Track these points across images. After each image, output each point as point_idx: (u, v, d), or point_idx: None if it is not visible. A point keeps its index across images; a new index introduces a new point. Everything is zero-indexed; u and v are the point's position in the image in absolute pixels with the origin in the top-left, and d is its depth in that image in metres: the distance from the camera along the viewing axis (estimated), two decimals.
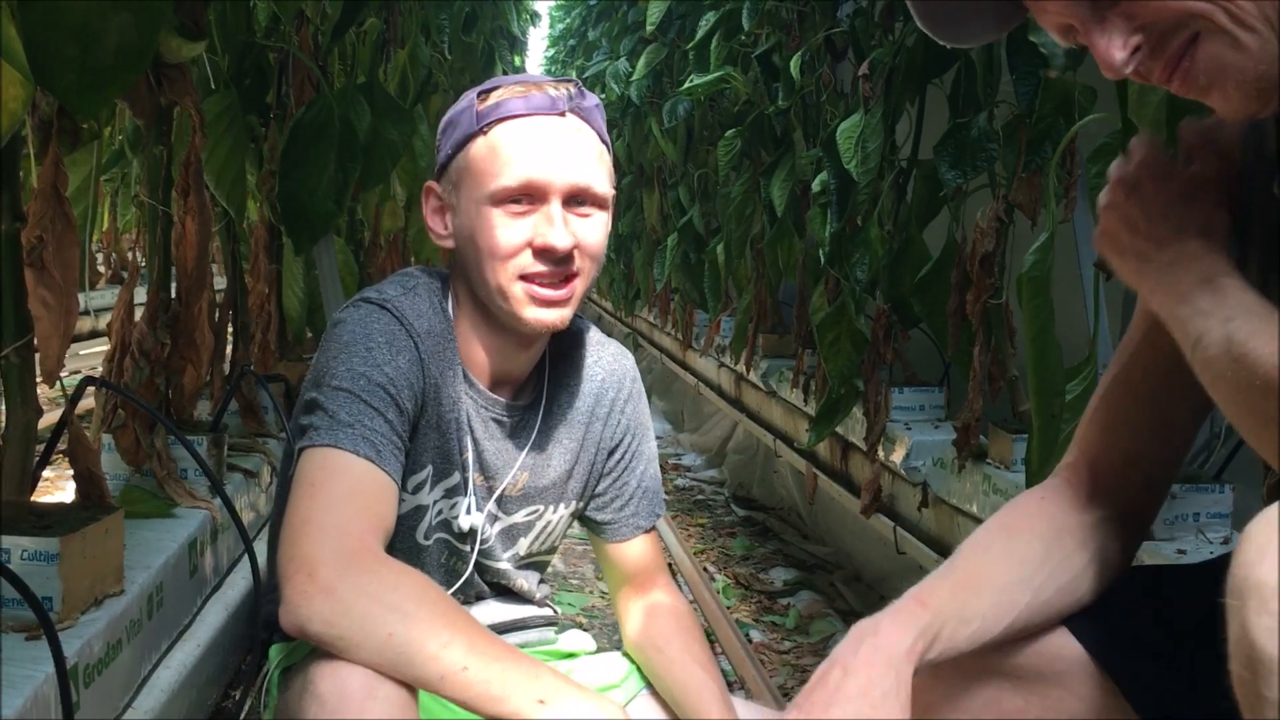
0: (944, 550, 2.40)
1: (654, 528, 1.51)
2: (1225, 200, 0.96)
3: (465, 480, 1.38)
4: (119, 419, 1.88)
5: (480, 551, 1.42)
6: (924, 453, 2.54)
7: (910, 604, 1.01)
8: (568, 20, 8.87)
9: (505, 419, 1.40)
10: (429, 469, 1.35)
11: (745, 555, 3.60)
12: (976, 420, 2.26)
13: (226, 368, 2.49)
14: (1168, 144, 1.05)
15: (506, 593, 1.48)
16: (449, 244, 1.36)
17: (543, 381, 1.43)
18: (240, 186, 2.22)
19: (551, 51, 10.64)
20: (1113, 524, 1.10)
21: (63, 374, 1.51)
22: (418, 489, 1.35)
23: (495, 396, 1.39)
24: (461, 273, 1.36)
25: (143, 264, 2.16)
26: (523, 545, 1.46)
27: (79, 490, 1.58)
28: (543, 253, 1.28)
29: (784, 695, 2.40)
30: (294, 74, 2.66)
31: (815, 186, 2.77)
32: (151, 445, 1.88)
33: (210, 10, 1.92)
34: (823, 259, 2.74)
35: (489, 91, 1.32)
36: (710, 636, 2.92)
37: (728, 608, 2.98)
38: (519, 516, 1.44)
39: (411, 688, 1.10)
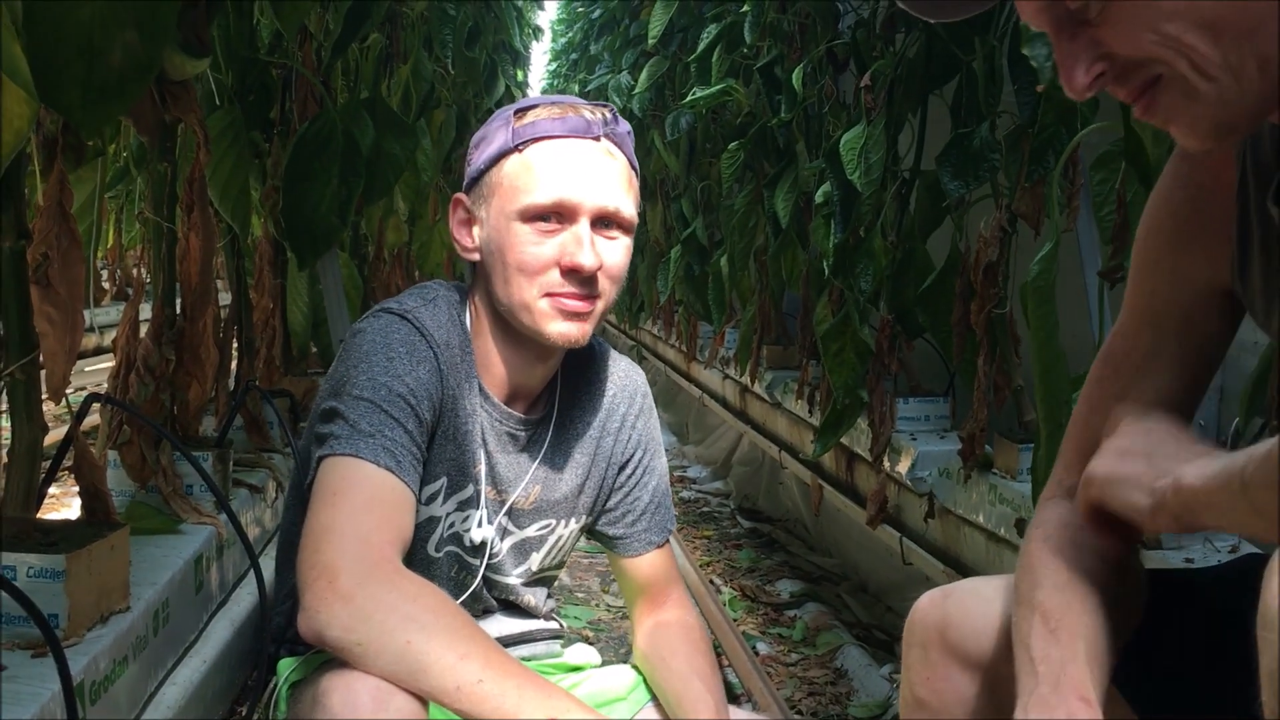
0: (950, 561, 2.40)
1: (666, 542, 1.52)
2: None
3: (478, 493, 1.38)
4: (124, 435, 1.88)
5: (490, 566, 1.43)
6: (929, 463, 2.53)
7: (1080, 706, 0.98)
8: (570, 34, 8.90)
9: (519, 433, 1.41)
10: (443, 480, 1.36)
11: (751, 567, 3.59)
12: (982, 430, 2.25)
13: (231, 383, 2.49)
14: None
15: (513, 608, 1.48)
16: (474, 257, 1.37)
17: (555, 396, 1.44)
18: (244, 202, 2.22)
19: (554, 65, 10.68)
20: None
21: (68, 391, 1.51)
22: (431, 500, 1.36)
23: (509, 410, 1.39)
24: (482, 286, 1.37)
25: (147, 280, 2.17)
26: (535, 560, 1.47)
27: (84, 507, 1.58)
28: (570, 272, 1.29)
29: (791, 707, 2.39)
30: (297, 89, 2.67)
31: (818, 198, 2.77)
32: (157, 461, 1.88)
33: (214, 27, 1.93)
34: (826, 270, 2.74)
35: (525, 110, 1.34)
36: (717, 649, 2.91)
37: (734, 620, 2.97)
38: (531, 530, 1.45)
39: (422, 701, 1.10)
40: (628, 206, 1.33)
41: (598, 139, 1.32)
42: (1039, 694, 0.93)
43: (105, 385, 1.93)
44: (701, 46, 3.75)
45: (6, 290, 1.34)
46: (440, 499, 1.36)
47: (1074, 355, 1.71)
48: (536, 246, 1.30)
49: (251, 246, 2.77)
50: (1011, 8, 2.13)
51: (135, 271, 6.74)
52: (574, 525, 1.48)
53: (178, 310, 1.94)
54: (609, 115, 1.34)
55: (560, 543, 1.48)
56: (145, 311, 1.99)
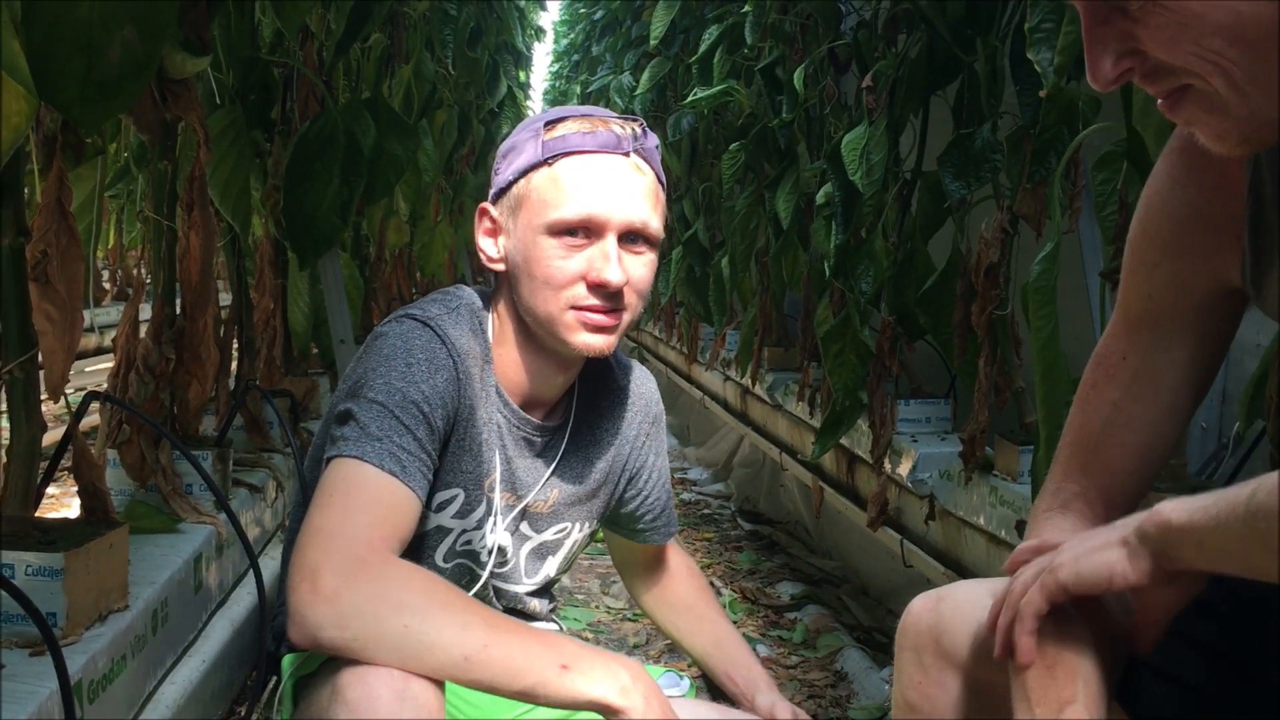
0: (951, 563, 2.39)
1: (674, 532, 1.64)
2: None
3: (492, 500, 1.40)
4: (124, 434, 1.87)
5: (501, 575, 1.45)
6: (930, 465, 2.53)
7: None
8: (572, 35, 8.90)
9: (535, 438, 1.43)
10: (458, 491, 1.37)
11: (752, 569, 3.58)
12: (982, 432, 2.25)
13: (231, 383, 2.49)
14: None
15: (518, 615, 1.49)
16: (499, 267, 1.39)
17: (573, 402, 1.47)
18: (245, 201, 2.22)
19: (556, 66, 10.68)
20: None
21: (68, 391, 1.51)
22: (441, 508, 1.37)
23: (527, 416, 1.41)
24: (506, 295, 1.39)
25: (148, 279, 2.17)
26: (551, 565, 1.49)
27: (83, 506, 1.58)
28: (596, 287, 1.31)
29: None
30: (298, 89, 2.67)
31: (820, 199, 2.77)
32: (156, 460, 1.88)
33: (215, 26, 1.93)
34: (827, 271, 2.74)
35: (555, 122, 1.35)
36: None
37: (734, 622, 2.97)
38: (549, 534, 1.47)
39: (438, 684, 1.11)
40: (654, 222, 1.35)
41: (627, 154, 1.33)
42: None
43: (106, 385, 1.93)
44: (703, 47, 3.74)
45: (5, 288, 1.33)
46: (452, 509, 1.37)
47: (1075, 357, 1.70)
48: (563, 261, 1.31)
49: (252, 246, 2.76)
50: (1014, 8, 2.13)
51: (136, 271, 6.73)
52: (586, 530, 1.52)
53: (178, 309, 1.94)
54: (639, 130, 1.35)
55: (574, 547, 1.51)
56: (146, 311, 1.99)
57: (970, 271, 2.22)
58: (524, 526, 1.44)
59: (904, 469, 2.59)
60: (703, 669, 1.64)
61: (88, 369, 6.00)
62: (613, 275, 1.29)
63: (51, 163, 1.40)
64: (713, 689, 1.74)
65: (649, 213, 1.33)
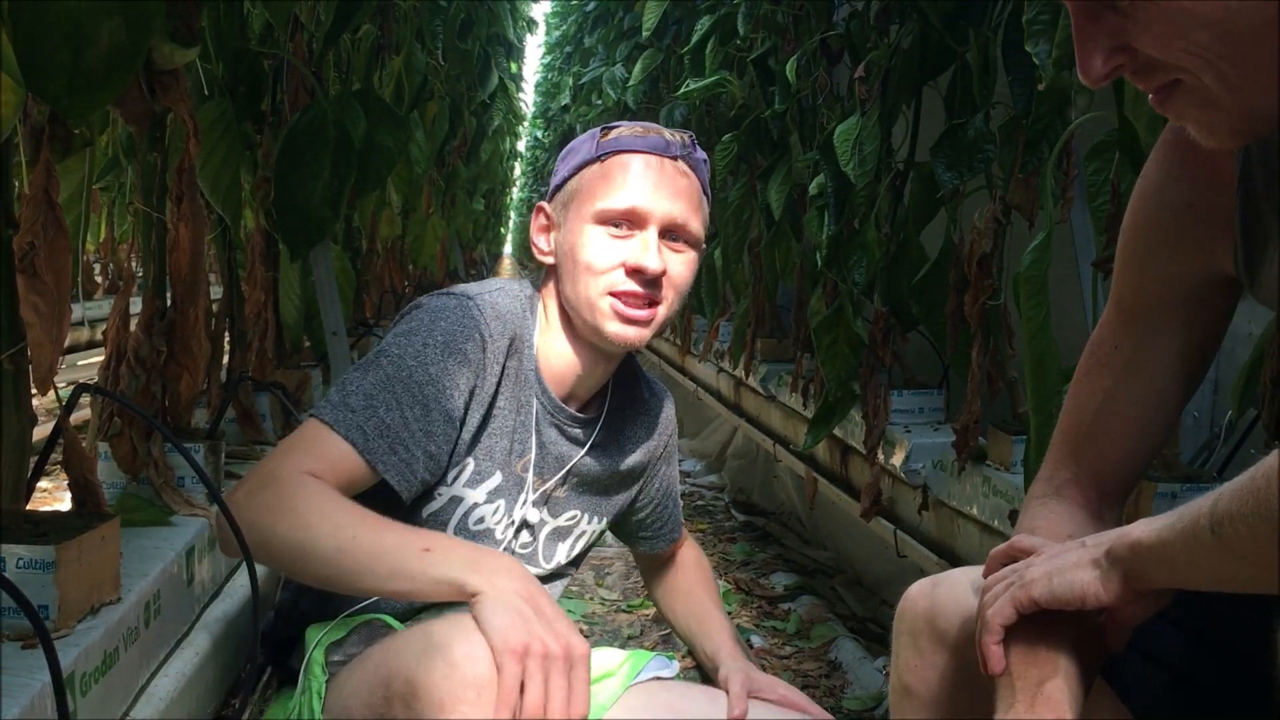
0: (944, 553, 2.40)
1: (680, 535, 1.77)
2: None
3: (524, 480, 1.46)
4: (115, 427, 1.87)
5: (523, 556, 1.50)
6: (923, 455, 2.53)
7: None
8: (564, 27, 8.89)
9: (569, 428, 1.49)
10: (470, 463, 1.42)
11: (746, 560, 3.59)
12: (976, 422, 2.25)
13: (224, 375, 2.48)
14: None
15: None
16: (548, 260, 1.47)
17: (606, 401, 1.54)
18: (235, 193, 2.21)
19: (548, 58, 10.66)
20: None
21: (60, 384, 1.50)
22: (455, 480, 1.42)
23: (562, 405, 1.48)
24: (552, 286, 1.47)
25: (138, 272, 2.16)
26: (561, 551, 1.55)
27: (75, 499, 1.57)
28: (635, 273, 1.39)
29: None
30: (288, 81, 2.65)
31: (812, 189, 2.76)
32: (148, 453, 1.87)
33: (204, 16, 1.92)
34: (820, 262, 2.73)
35: (611, 129, 1.45)
36: None
37: (729, 613, 2.97)
38: (561, 520, 1.53)
39: None
40: (695, 223, 1.43)
41: (675, 158, 1.42)
42: (1015, 711, 0.93)
43: (97, 378, 1.92)
44: (695, 38, 3.74)
45: None
46: (465, 480, 1.42)
47: (1068, 346, 1.70)
48: (607, 248, 1.40)
49: (243, 239, 2.75)
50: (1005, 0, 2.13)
51: (126, 264, 6.71)
52: (597, 524, 1.58)
53: (169, 302, 1.93)
54: (688, 140, 1.45)
55: (583, 537, 1.57)
56: (137, 304, 1.98)
57: (963, 262, 2.22)
58: (544, 511, 1.51)
59: (897, 459, 2.60)
60: (690, 651, 1.71)
61: (80, 363, 5.98)
62: (650, 262, 1.37)
63: (39, 154, 1.39)
64: (706, 678, 1.74)
65: (690, 213, 1.42)
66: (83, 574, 1.41)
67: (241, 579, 2.03)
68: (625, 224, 1.40)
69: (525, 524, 1.47)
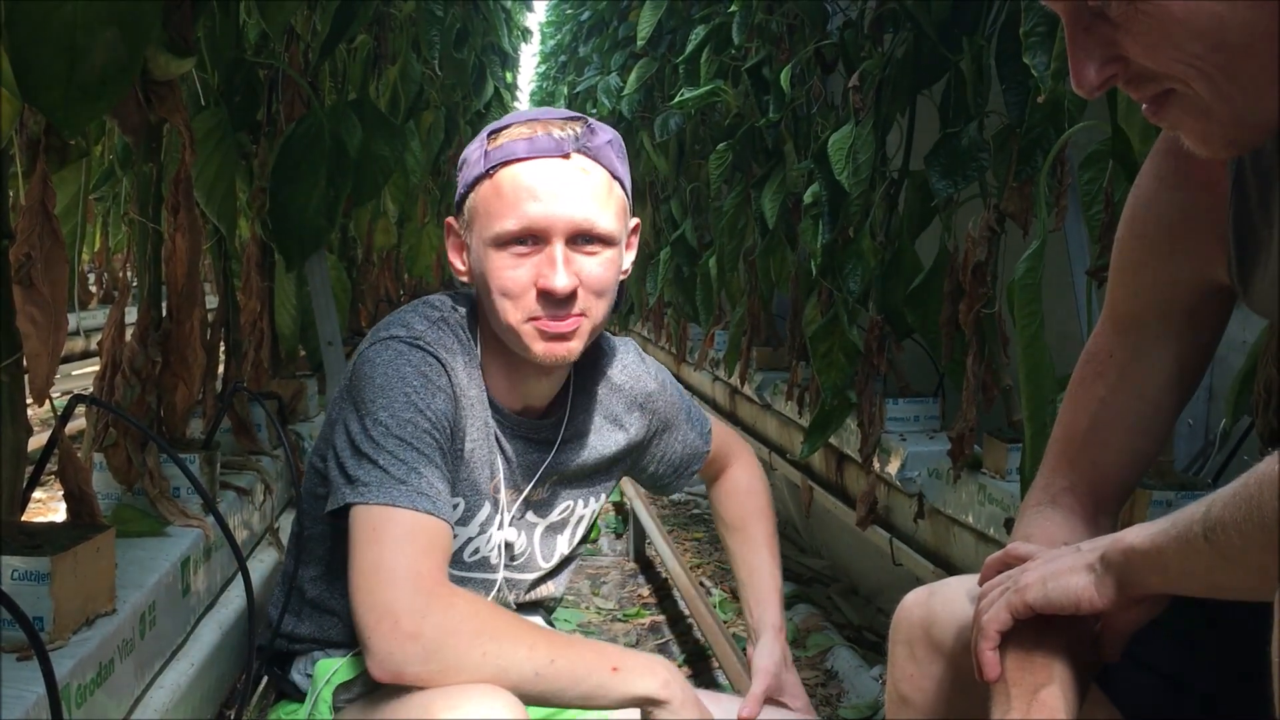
0: (940, 561, 2.40)
1: (709, 448, 1.66)
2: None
3: (497, 502, 1.43)
4: (110, 438, 1.86)
5: (516, 567, 1.49)
6: (919, 463, 2.53)
7: None
8: (559, 36, 8.89)
9: (532, 435, 1.46)
10: (459, 500, 1.39)
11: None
12: (971, 430, 2.25)
13: (219, 385, 2.48)
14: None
15: (529, 605, 1.54)
16: (468, 279, 1.41)
17: (569, 393, 1.49)
18: (231, 203, 2.21)
19: (543, 68, 10.66)
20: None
21: (54, 394, 1.50)
22: (469, 519, 1.41)
23: (521, 417, 1.44)
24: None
25: (134, 282, 2.16)
26: (562, 542, 1.53)
27: (70, 509, 1.57)
28: (544, 295, 1.31)
29: None
30: (284, 90, 2.66)
31: (807, 198, 2.77)
32: (143, 463, 1.87)
33: (199, 27, 1.92)
34: (815, 270, 2.74)
35: (498, 131, 1.35)
36: (707, 652, 2.91)
37: (724, 622, 2.97)
38: (554, 516, 1.51)
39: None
40: (605, 220, 1.33)
41: (567, 156, 1.32)
42: (1011, 717, 0.93)
43: (92, 389, 1.92)
44: (690, 48, 3.75)
45: None
46: (457, 518, 1.40)
47: (1062, 354, 1.71)
48: (514, 271, 1.32)
49: (239, 249, 2.75)
50: (999, 7, 2.14)
51: (121, 274, 6.70)
52: (594, 504, 1.56)
53: (164, 312, 1.93)
54: (580, 130, 1.33)
55: (581, 521, 1.55)
56: (132, 314, 1.98)
57: (958, 270, 2.22)
58: (529, 515, 1.48)
59: (893, 468, 2.60)
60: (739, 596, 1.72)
61: (74, 373, 5.98)
62: (558, 282, 1.30)
63: (35, 165, 1.39)
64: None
65: (596, 211, 1.32)
66: (78, 585, 1.41)
67: (236, 590, 2.02)
68: (529, 240, 1.31)
69: (505, 543, 1.46)
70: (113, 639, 1.46)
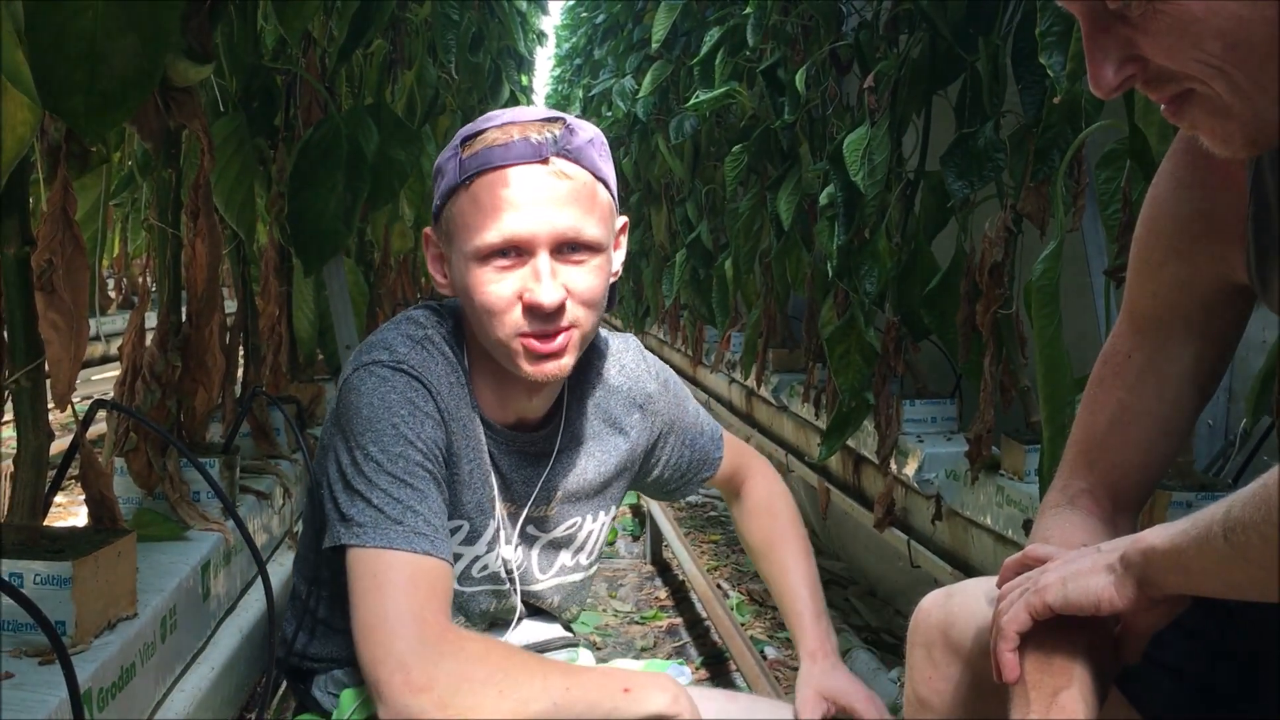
0: (958, 563, 2.39)
1: (721, 454, 1.62)
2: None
3: (498, 519, 1.40)
4: (131, 442, 1.87)
5: (519, 577, 1.46)
6: (936, 465, 2.53)
7: None
8: (574, 39, 8.91)
9: (528, 449, 1.41)
10: (463, 523, 1.37)
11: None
12: (989, 431, 2.25)
13: (238, 390, 2.49)
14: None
15: (539, 612, 1.52)
16: (450, 292, 1.35)
17: (563, 403, 1.43)
18: (249, 208, 2.22)
19: (558, 70, 10.68)
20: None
21: (75, 399, 1.51)
22: (475, 539, 1.39)
23: (514, 432, 1.39)
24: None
25: (153, 288, 2.17)
26: (564, 557, 1.49)
27: (91, 514, 1.58)
28: (530, 309, 1.25)
29: None
30: (301, 96, 2.67)
31: (822, 199, 2.77)
32: (164, 468, 1.88)
33: (217, 33, 1.93)
34: (831, 272, 2.74)
35: (473, 137, 1.28)
36: (724, 655, 2.91)
37: (741, 624, 2.97)
38: (558, 532, 1.47)
39: None
40: (590, 227, 1.26)
41: (546, 160, 1.24)
42: (1030, 719, 0.93)
43: (112, 393, 1.93)
44: (704, 50, 3.75)
45: (11, 297, 1.34)
46: (459, 537, 1.37)
47: (1080, 355, 1.70)
48: (498, 285, 1.25)
49: (257, 253, 2.77)
50: (1015, 7, 2.13)
51: (141, 279, 6.74)
52: (604, 518, 1.50)
53: (184, 317, 1.95)
54: (559, 132, 1.25)
55: (590, 537, 1.50)
56: (152, 319, 1.99)
57: (974, 271, 2.22)
58: (530, 529, 1.44)
59: (910, 469, 2.59)
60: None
61: (94, 377, 6.01)
62: (544, 296, 1.23)
63: (56, 172, 1.40)
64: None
65: (580, 218, 1.25)
66: (99, 589, 1.42)
67: (256, 594, 2.03)
68: (512, 253, 1.24)
69: (504, 559, 1.43)
70: (134, 643, 1.47)
